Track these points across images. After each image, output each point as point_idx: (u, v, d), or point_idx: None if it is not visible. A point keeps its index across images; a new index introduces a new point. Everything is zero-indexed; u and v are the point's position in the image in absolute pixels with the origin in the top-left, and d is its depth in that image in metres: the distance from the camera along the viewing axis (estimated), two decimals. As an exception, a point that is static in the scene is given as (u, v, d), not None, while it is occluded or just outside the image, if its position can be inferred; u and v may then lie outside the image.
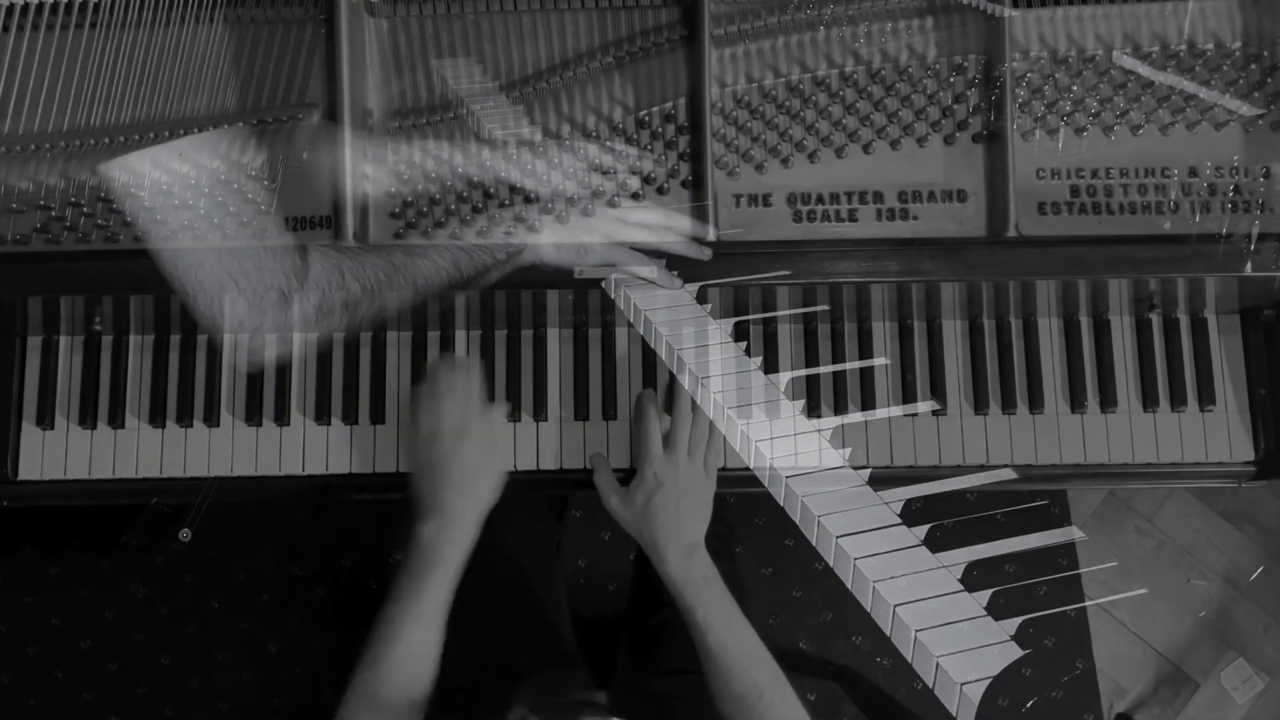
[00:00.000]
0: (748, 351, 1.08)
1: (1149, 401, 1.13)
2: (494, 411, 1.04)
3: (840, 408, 1.12)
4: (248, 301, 0.93)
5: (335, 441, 1.13)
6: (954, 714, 0.89)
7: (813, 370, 1.13)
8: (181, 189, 0.98)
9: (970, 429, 1.13)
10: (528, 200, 1.05)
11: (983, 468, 1.10)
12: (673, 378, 1.06)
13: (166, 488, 1.13)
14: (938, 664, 0.90)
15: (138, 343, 1.14)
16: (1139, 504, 1.93)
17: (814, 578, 1.75)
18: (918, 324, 1.14)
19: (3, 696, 1.72)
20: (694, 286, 1.05)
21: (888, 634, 0.92)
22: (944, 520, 1.01)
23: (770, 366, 1.11)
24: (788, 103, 1.07)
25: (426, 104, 1.07)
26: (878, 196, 1.07)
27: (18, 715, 1.72)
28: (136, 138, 1.01)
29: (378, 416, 1.13)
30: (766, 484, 1.01)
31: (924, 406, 1.12)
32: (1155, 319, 1.14)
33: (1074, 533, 0.99)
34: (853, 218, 1.07)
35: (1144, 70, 1.05)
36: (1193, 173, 1.06)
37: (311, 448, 1.13)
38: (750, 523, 1.75)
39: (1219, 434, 1.12)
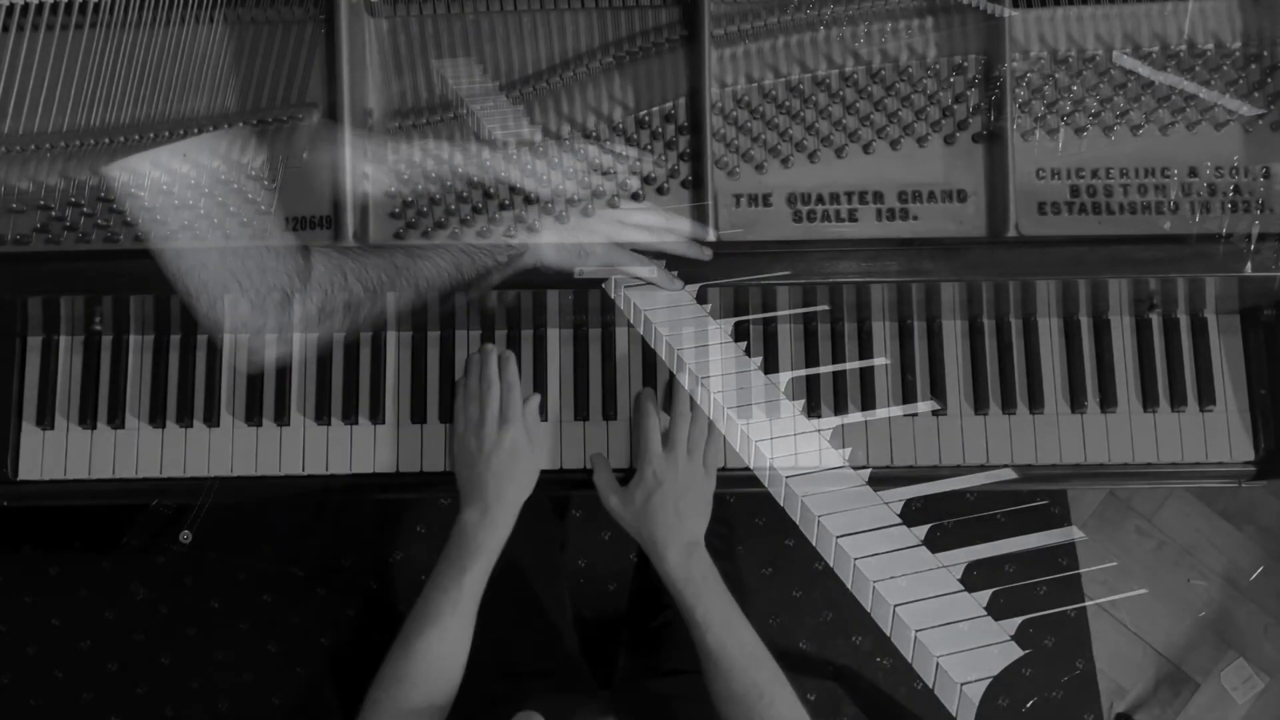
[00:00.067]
0: (748, 351, 1.08)
1: (1149, 401, 1.13)
2: (532, 401, 1.07)
3: (840, 408, 1.12)
4: (250, 302, 0.93)
5: (335, 441, 1.13)
6: (954, 714, 0.89)
7: (813, 370, 1.13)
8: (181, 189, 0.98)
9: (970, 429, 1.13)
10: (528, 200, 1.05)
11: (983, 468, 1.10)
12: (672, 377, 1.06)
13: (166, 488, 1.13)
14: (938, 664, 0.90)
15: (138, 343, 1.14)
16: (1139, 504, 1.93)
17: (814, 578, 1.75)
18: (918, 324, 1.14)
19: (3, 696, 1.72)
20: (694, 286, 1.05)
21: (888, 634, 0.92)
22: (944, 520, 1.01)
23: (770, 366, 1.11)
24: (788, 103, 1.07)
25: (426, 104, 1.07)
26: (878, 196, 1.07)
27: (18, 715, 1.72)
28: (136, 138, 1.01)
29: (378, 416, 1.13)
30: (766, 484, 1.01)
31: (924, 406, 1.12)
32: (1155, 319, 1.14)
33: (1074, 533, 0.99)
34: (853, 218, 1.07)
35: (1144, 70, 1.05)
36: (1193, 173, 1.06)
37: (311, 448, 1.13)
38: (750, 523, 1.75)
39: (1219, 434, 1.12)
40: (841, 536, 0.96)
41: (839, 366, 1.13)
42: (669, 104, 1.07)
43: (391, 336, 1.14)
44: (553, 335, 1.14)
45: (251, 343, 1.01)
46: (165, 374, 1.13)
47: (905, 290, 1.07)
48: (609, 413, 1.12)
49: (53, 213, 1.02)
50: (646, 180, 1.06)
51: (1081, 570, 1.71)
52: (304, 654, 1.71)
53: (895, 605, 0.92)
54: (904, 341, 1.13)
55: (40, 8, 1.02)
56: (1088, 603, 1.74)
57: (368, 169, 1.04)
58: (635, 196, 1.06)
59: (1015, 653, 0.90)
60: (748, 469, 1.03)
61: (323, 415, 1.12)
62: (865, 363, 1.13)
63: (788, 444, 1.03)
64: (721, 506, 1.06)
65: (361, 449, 1.13)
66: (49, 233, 1.02)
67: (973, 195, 1.07)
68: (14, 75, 1.01)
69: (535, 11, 1.08)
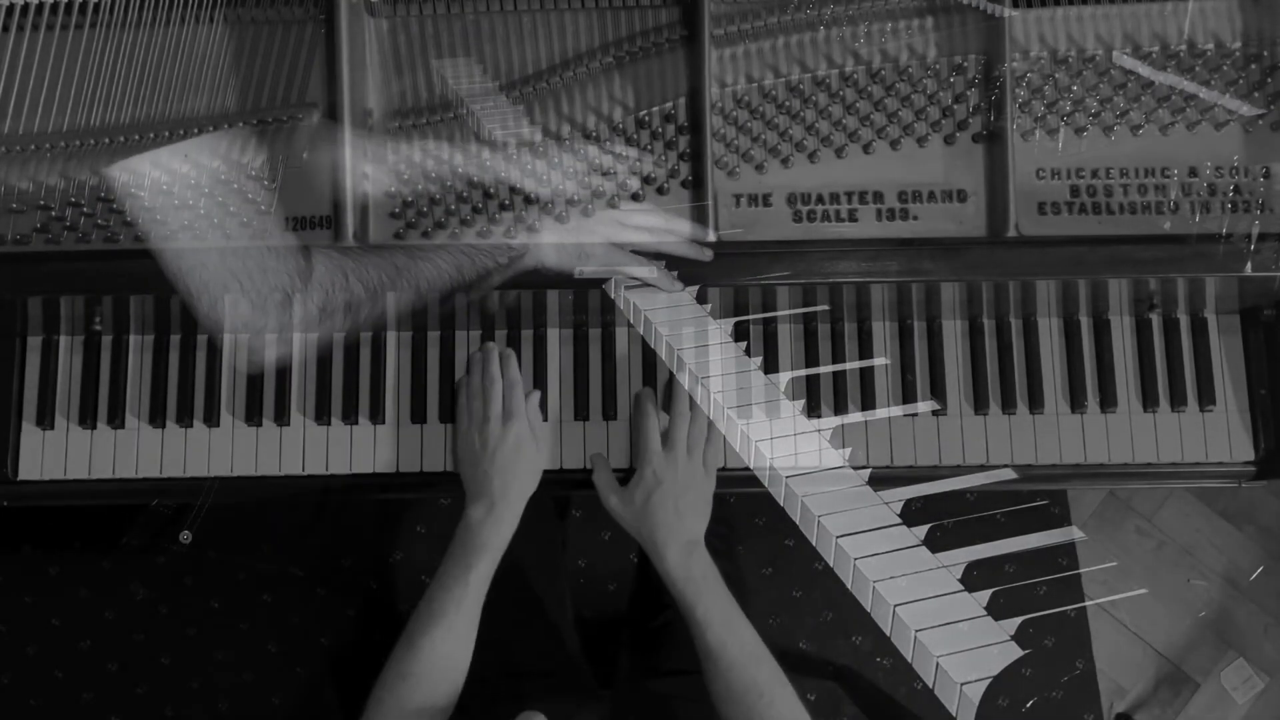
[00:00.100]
0: (748, 351, 1.08)
1: (1149, 401, 1.13)
2: (533, 398, 1.07)
3: (840, 408, 1.12)
4: (250, 302, 0.93)
5: (335, 441, 1.13)
6: (954, 714, 0.89)
7: (813, 370, 1.13)
8: (181, 189, 0.98)
9: (970, 429, 1.13)
10: (528, 200, 1.05)
11: (983, 468, 1.10)
12: (671, 376, 1.06)
13: (166, 488, 1.13)
14: (938, 664, 0.90)
15: (138, 343, 1.14)
16: (1139, 504, 1.93)
17: (814, 578, 1.74)
18: (918, 324, 1.14)
19: (3, 696, 1.72)
20: (694, 286, 1.05)
21: (888, 634, 0.92)
22: (944, 520, 1.01)
23: (770, 366, 1.11)
24: (788, 103, 1.07)
25: (426, 104, 1.07)
26: (878, 196, 1.07)
27: (18, 715, 1.72)
28: (136, 138, 1.01)
29: (378, 416, 1.13)
30: (766, 484, 1.01)
31: (924, 406, 1.12)
32: (1155, 319, 1.14)
33: (1074, 533, 0.99)
34: (853, 218, 1.07)
35: (1144, 70, 1.05)
36: (1193, 173, 1.06)
37: (311, 448, 1.13)
38: (750, 523, 1.75)
39: (1219, 434, 1.12)
40: (841, 536, 0.96)
41: (839, 366, 1.13)
42: (669, 104, 1.07)
43: (391, 336, 1.14)
44: (553, 335, 1.14)
45: (251, 343, 1.01)
46: (165, 374, 1.13)
47: (905, 290, 1.07)
48: (609, 413, 1.12)
49: (53, 213, 1.02)
50: (646, 180, 1.06)
51: (1081, 570, 1.71)
52: (304, 654, 1.71)
53: (895, 605, 0.92)
54: (904, 341, 1.13)
55: (40, 8, 1.02)
56: (1088, 603, 1.74)
57: (368, 169, 1.04)
58: (635, 197, 1.06)
59: (1015, 653, 0.90)
60: (748, 469, 1.03)
61: (323, 415, 1.12)
62: (865, 363, 1.13)
63: (788, 444, 1.03)
64: (721, 506, 1.06)
65: (361, 449, 1.13)
66: (49, 233, 1.02)
67: (973, 195, 1.07)
68: (14, 75, 1.01)
69: (535, 11, 1.08)
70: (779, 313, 1.12)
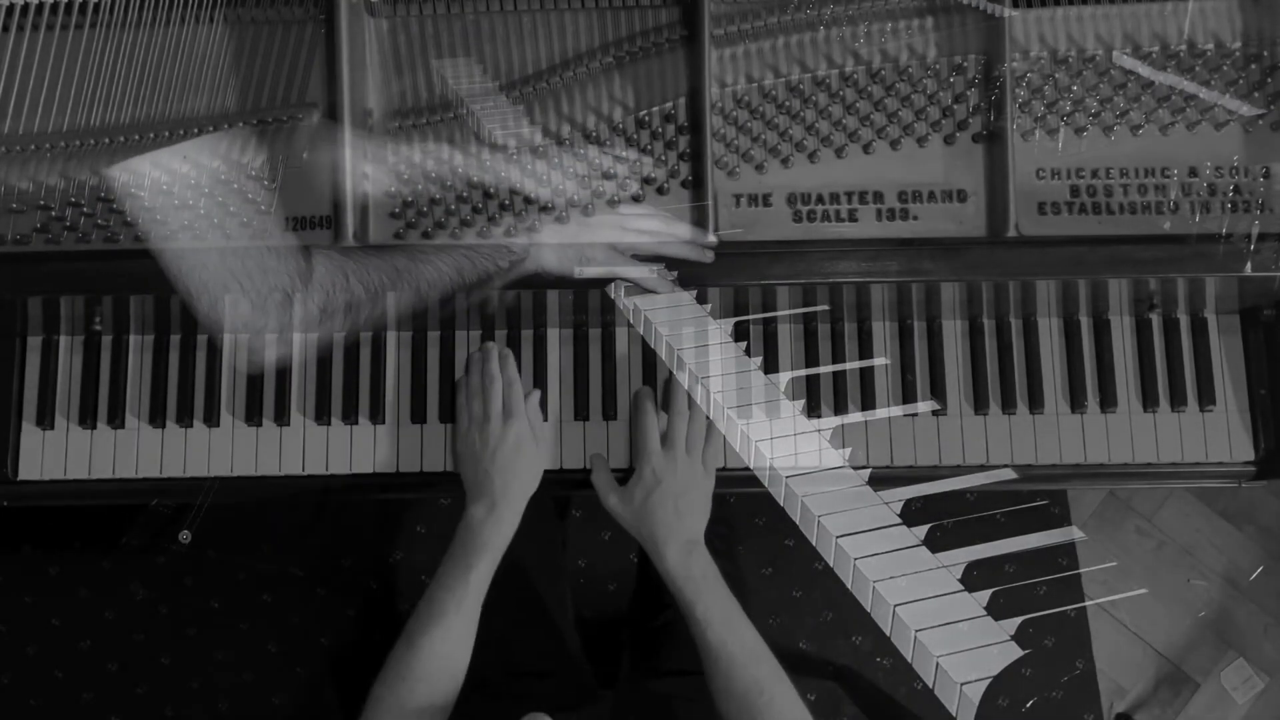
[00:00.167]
0: (748, 351, 1.08)
1: (1149, 401, 1.13)
2: (533, 397, 1.07)
3: (840, 408, 1.12)
4: (250, 302, 0.93)
5: (335, 441, 1.13)
6: (954, 714, 0.89)
7: (813, 370, 1.13)
8: (182, 189, 0.98)
9: (970, 429, 1.13)
10: (528, 200, 1.05)
11: (983, 468, 1.10)
12: (670, 375, 1.06)
13: (166, 488, 1.13)
14: (938, 664, 0.89)
15: (138, 343, 1.14)
16: (1139, 504, 1.93)
17: (814, 578, 1.74)
18: (918, 324, 1.14)
19: (3, 696, 1.72)
20: (694, 288, 1.05)
21: (888, 634, 0.92)
22: (944, 520, 1.01)
23: (770, 366, 1.11)
24: (788, 103, 1.07)
25: (426, 104, 1.07)
26: (878, 196, 1.07)
27: (18, 715, 1.72)
28: (136, 138, 1.01)
29: (378, 416, 1.13)
30: (766, 484, 1.01)
31: (924, 406, 1.12)
32: (1155, 319, 1.14)
33: (1074, 533, 0.99)
34: (853, 218, 1.07)
35: (1144, 70, 1.05)
36: (1193, 173, 1.06)
37: (311, 448, 1.13)
38: (750, 523, 1.75)
39: (1219, 434, 1.12)
40: (841, 536, 0.96)
41: (839, 366, 1.13)
42: (669, 104, 1.07)
43: (391, 336, 1.14)
44: (553, 335, 1.14)
45: (251, 343, 1.01)
46: (165, 374, 1.13)
47: (905, 290, 1.07)
48: (609, 413, 1.12)
49: (53, 213, 1.02)
50: (647, 180, 1.06)
51: (1081, 570, 1.71)
52: (304, 654, 1.71)
53: (895, 605, 0.92)
54: (904, 341, 1.13)
55: (40, 8, 1.02)
56: (1088, 603, 1.74)
57: (368, 169, 1.04)
58: (635, 197, 1.06)
59: (1015, 653, 0.90)
60: (748, 469, 1.03)
61: (323, 415, 1.12)
62: (865, 363, 1.13)
63: (788, 444, 1.03)
64: (721, 506, 1.06)
65: (361, 449, 1.13)
66: (49, 233, 1.02)
67: (973, 195, 1.07)
68: (14, 75, 1.01)
69: (535, 11, 1.08)
70: (779, 313, 1.12)
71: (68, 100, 1.01)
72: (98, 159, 1.00)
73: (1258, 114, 1.05)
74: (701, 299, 1.05)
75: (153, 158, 0.97)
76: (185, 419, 1.12)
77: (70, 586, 1.74)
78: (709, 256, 1.04)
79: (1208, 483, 1.15)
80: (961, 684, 0.88)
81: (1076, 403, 1.13)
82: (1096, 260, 1.03)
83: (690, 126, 1.07)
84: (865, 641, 1.73)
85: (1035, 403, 1.12)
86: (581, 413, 1.12)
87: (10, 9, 1.02)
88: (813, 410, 1.12)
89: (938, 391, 1.13)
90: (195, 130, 1.02)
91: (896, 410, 1.12)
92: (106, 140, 1.01)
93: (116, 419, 1.13)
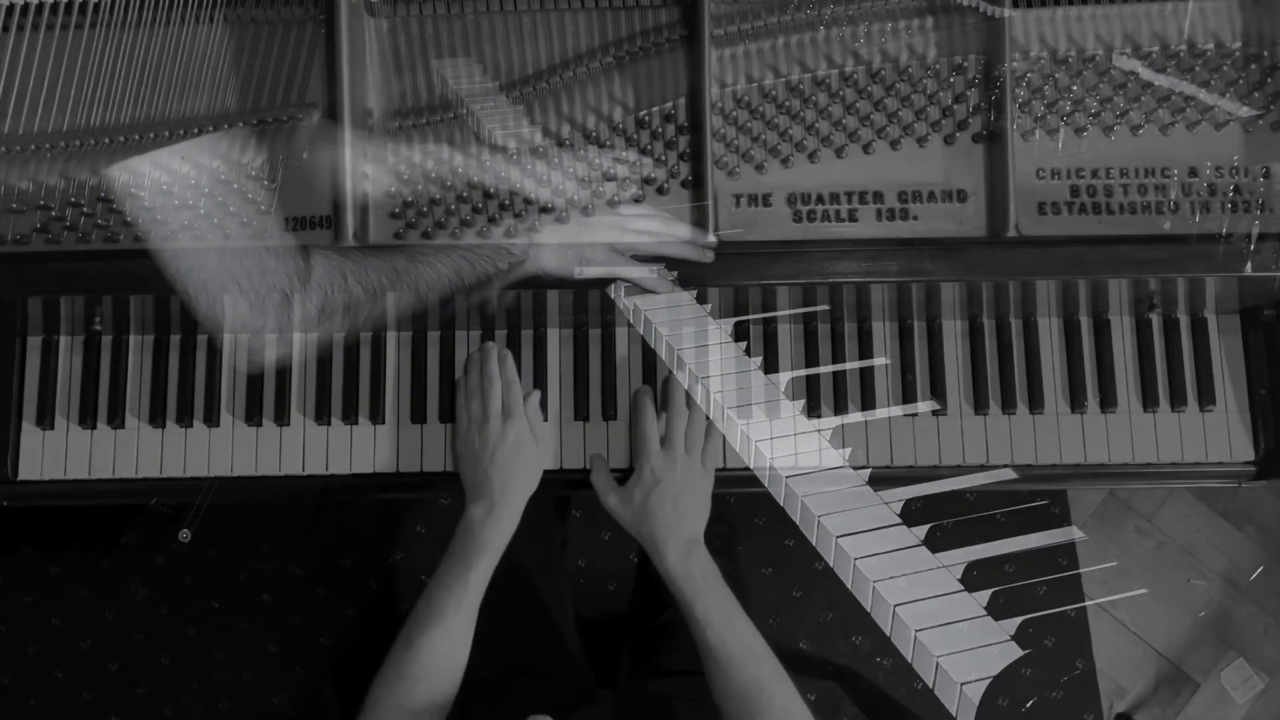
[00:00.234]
0: (748, 351, 1.08)
1: (1149, 401, 1.13)
2: (533, 398, 1.07)
3: (840, 408, 1.12)
4: (249, 302, 0.93)
5: (335, 441, 1.13)
6: (954, 714, 0.89)
7: (813, 370, 1.13)
8: (181, 189, 0.98)
9: (970, 429, 1.13)
10: (528, 201, 1.05)
11: (983, 468, 1.10)
12: (669, 375, 1.06)
13: (166, 488, 1.13)
14: (938, 664, 0.89)
15: (138, 343, 1.14)
16: (1139, 504, 1.93)
17: (814, 578, 1.74)
18: (918, 324, 1.14)
19: (3, 696, 1.72)
20: (694, 289, 1.05)
21: (888, 634, 0.92)
22: (944, 520, 1.01)
23: (770, 366, 1.11)
24: (788, 103, 1.07)
25: (426, 104, 1.07)
26: (878, 196, 1.07)
27: (18, 715, 1.72)
28: (136, 138, 1.01)
29: (378, 416, 1.13)
30: (766, 484, 1.01)
31: (924, 406, 1.12)
32: (1155, 319, 1.14)
33: (1074, 533, 0.99)
34: (853, 218, 1.07)
35: (1144, 72, 1.05)
36: (1193, 173, 1.06)
37: (311, 448, 1.13)
38: (750, 523, 1.75)
39: (1219, 434, 1.12)
40: (841, 536, 0.96)
41: (839, 366, 1.13)
42: (669, 104, 1.07)
43: (391, 336, 1.14)
44: (552, 335, 1.14)
45: (251, 343, 1.01)
46: (165, 374, 1.13)
47: (905, 290, 1.07)
48: (609, 413, 1.12)
49: (53, 213, 1.02)
50: (647, 180, 1.06)
51: (1081, 570, 1.71)
52: (304, 654, 1.71)
53: (895, 605, 0.92)
54: (904, 341, 1.13)
55: (40, 8, 1.02)
56: (1088, 603, 1.74)
57: (368, 169, 1.04)
58: (635, 198, 1.06)
59: (1015, 653, 0.90)
60: (748, 469, 1.03)
61: (323, 415, 1.12)
62: (865, 363, 1.13)
63: (788, 444, 1.03)
64: (721, 506, 1.06)
65: (361, 449, 1.13)
66: (49, 233, 1.02)
67: (973, 195, 1.07)
68: (14, 75, 1.01)
69: (535, 11, 1.08)
70: (779, 313, 1.12)
71: (68, 100, 1.01)
72: (98, 159, 1.00)
73: (1258, 114, 1.05)
74: (701, 299, 1.05)
75: (153, 158, 0.97)
76: (185, 419, 1.12)
77: (70, 586, 1.74)
78: (709, 256, 1.04)
79: (1208, 483, 1.15)
80: (961, 684, 0.88)
81: (1076, 403, 1.13)
82: (1096, 260, 1.03)
83: (690, 126, 1.07)
84: (865, 641, 1.73)
85: (1035, 403, 1.12)
86: (581, 413, 1.12)
87: (10, 9, 1.02)
88: (813, 410, 1.12)
89: (938, 391, 1.13)
90: (195, 130, 1.02)
91: (896, 410, 1.12)
92: (106, 140, 1.01)
93: (116, 419, 1.13)
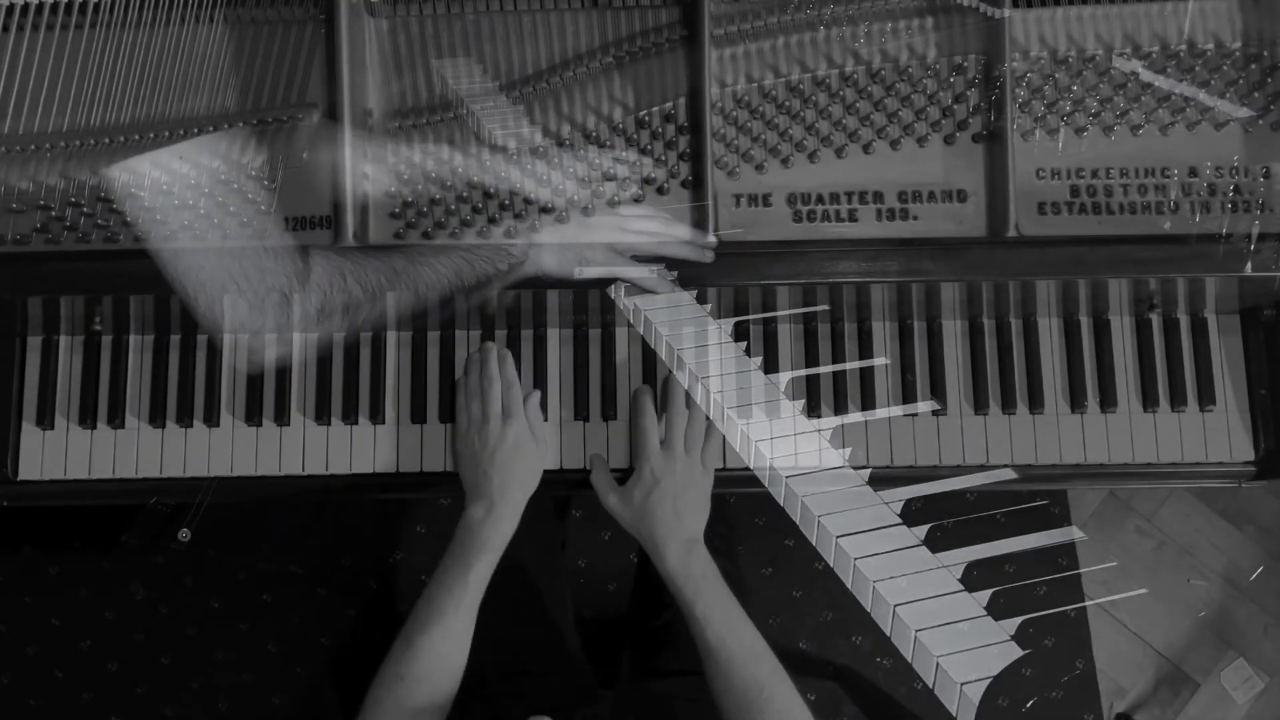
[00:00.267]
0: (748, 351, 1.08)
1: (1149, 401, 1.13)
2: (533, 398, 1.07)
3: (840, 408, 1.12)
4: (248, 302, 0.93)
5: (335, 441, 1.13)
6: (954, 714, 0.89)
7: (813, 370, 1.13)
8: (181, 189, 0.98)
9: (970, 429, 1.13)
10: (528, 200, 1.05)
11: (983, 468, 1.10)
12: (669, 375, 1.06)
13: (166, 488, 1.13)
14: (938, 664, 0.89)
15: (138, 343, 1.14)
16: (1139, 504, 1.92)
17: (814, 578, 1.74)
18: (918, 324, 1.14)
19: (3, 696, 1.72)
20: (694, 289, 1.05)
21: (888, 634, 0.92)
22: (944, 520, 1.01)
23: (770, 366, 1.11)
24: (788, 103, 1.07)
25: (426, 104, 1.07)
26: (878, 196, 1.07)
27: (18, 715, 1.72)
28: (136, 138, 1.01)
29: (378, 416, 1.13)
30: (766, 484, 1.01)
31: (924, 406, 1.12)
32: (1155, 319, 1.14)
33: (1074, 533, 0.99)
34: (853, 218, 1.07)
35: (1144, 72, 1.05)
36: (1193, 173, 1.06)
37: (311, 448, 1.13)
38: (750, 523, 1.75)
39: (1219, 434, 1.12)
40: (841, 536, 0.96)
41: (839, 366, 1.13)
42: (669, 104, 1.07)
43: (391, 336, 1.14)
44: (553, 335, 1.14)
45: (251, 343, 1.01)
46: (165, 374, 1.13)
47: (905, 290, 1.07)
48: (609, 413, 1.12)
49: (53, 213, 1.02)
50: (646, 180, 1.06)
51: (1081, 570, 1.71)
52: (304, 654, 1.71)
53: (895, 605, 0.92)
54: (904, 341, 1.13)
55: (40, 8, 1.02)
56: (1088, 603, 1.74)
57: (368, 169, 1.04)
58: (635, 198, 1.06)
59: (1015, 653, 0.90)
60: (748, 469, 1.03)
61: (323, 415, 1.12)
62: (865, 363, 1.13)
63: (788, 444, 1.03)
64: (721, 506, 1.06)
65: (361, 449, 1.13)
66: (49, 233, 1.02)
67: (973, 195, 1.07)
68: (14, 75, 1.01)
69: (535, 11, 1.08)
70: (779, 313, 1.12)
71: (68, 100, 1.01)
72: (98, 159, 1.00)
73: (1258, 114, 1.05)
74: (701, 299, 1.05)
75: (152, 158, 0.97)
76: (185, 419, 1.12)
77: (70, 586, 1.74)
78: (709, 257, 1.04)
79: (1208, 483, 1.15)
80: (961, 684, 0.88)
81: (1076, 403, 1.13)
82: (1096, 260, 1.03)
83: (690, 126, 1.07)
84: (865, 641, 1.73)
85: (1035, 403, 1.12)
86: (581, 413, 1.12)
87: (10, 9, 1.02)
88: (813, 410, 1.12)
89: (938, 391, 1.13)
90: (195, 130, 1.02)
91: (896, 410, 1.12)
92: (106, 140, 1.01)
93: (116, 419, 1.13)
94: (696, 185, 1.06)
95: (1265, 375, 1.12)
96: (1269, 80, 1.06)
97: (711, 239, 1.04)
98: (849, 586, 0.95)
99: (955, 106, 1.07)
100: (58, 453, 1.13)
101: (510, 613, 1.20)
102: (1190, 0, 1.06)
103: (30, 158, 1.01)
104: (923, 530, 0.97)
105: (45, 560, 1.74)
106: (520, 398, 1.05)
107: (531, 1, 1.08)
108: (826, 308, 1.10)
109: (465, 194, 1.05)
